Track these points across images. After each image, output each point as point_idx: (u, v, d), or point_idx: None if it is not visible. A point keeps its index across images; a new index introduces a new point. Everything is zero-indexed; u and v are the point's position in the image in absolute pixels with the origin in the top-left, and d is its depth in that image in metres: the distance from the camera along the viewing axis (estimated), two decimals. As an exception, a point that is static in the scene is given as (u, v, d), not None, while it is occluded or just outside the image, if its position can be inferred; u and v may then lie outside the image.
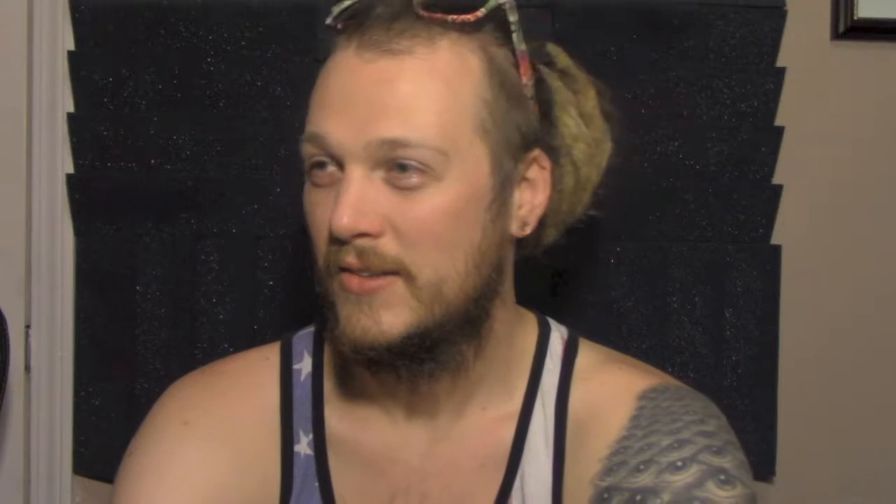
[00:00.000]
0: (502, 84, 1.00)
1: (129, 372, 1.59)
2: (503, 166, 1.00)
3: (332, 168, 0.98)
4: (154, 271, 1.58)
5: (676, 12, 1.65)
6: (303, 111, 1.01)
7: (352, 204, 0.95)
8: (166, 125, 1.59)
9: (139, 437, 1.08)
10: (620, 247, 1.63)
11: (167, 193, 1.59)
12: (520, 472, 1.04)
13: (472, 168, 0.98)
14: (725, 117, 1.65)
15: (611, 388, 1.05)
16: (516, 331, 1.08)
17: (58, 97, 1.61)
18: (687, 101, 1.65)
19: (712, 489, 0.95)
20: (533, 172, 1.04)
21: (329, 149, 0.97)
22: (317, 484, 1.06)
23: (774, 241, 1.67)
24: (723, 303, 1.64)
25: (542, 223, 1.06)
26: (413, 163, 0.95)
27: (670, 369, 1.48)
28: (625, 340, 1.61)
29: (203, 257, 1.59)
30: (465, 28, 0.99)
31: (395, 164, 0.95)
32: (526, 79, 1.03)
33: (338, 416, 1.08)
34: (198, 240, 1.59)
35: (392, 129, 0.95)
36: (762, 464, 1.65)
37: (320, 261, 1.00)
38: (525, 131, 1.02)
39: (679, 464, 0.97)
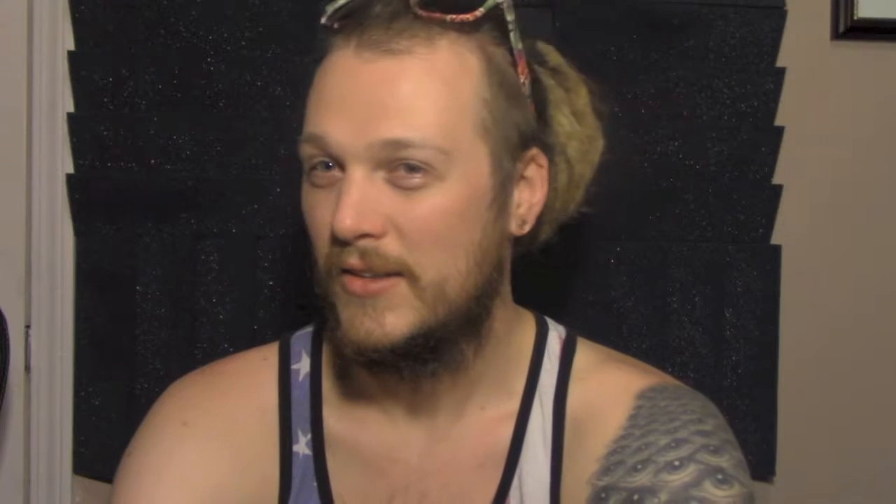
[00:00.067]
0: (501, 83, 1.00)
1: (129, 372, 1.59)
2: (503, 165, 1.00)
3: (332, 169, 0.97)
4: (154, 271, 1.59)
5: (676, 12, 1.65)
6: (302, 111, 1.01)
7: (354, 205, 0.94)
8: (166, 125, 1.59)
9: (138, 437, 1.08)
10: (620, 247, 1.63)
11: (167, 193, 1.59)
12: (518, 471, 1.04)
13: (473, 168, 0.98)
14: (725, 117, 1.65)
15: (609, 387, 1.05)
16: (514, 329, 1.08)
17: (58, 97, 1.61)
18: (687, 101, 1.65)
19: (709, 488, 0.95)
20: (531, 171, 1.04)
21: (329, 149, 0.96)
22: (315, 484, 1.05)
23: (774, 241, 1.67)
24: (723, 303, 1.65)
25: (539, 221, 1.06)
26: (416, 163, 0.95)
27: (670, 369, 1.48)
28: (625, 340, 1.61)
29: (203, 257, 1.59)
30: (463, 28, 0.99)
31: (397, 165, 0.95)
32: (524, 78, 1.03)
33: (336, 416, 1.08)
34: (198, 240, 1.59)
35: (394, 130, 0.95)
36: (762, 464, 1.65)
37: (321, 262, 0.99)
38: (523, 130, 1.02)
39: (676, 463, 0.97)
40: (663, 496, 0.95)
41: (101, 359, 1.60)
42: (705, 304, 1.64)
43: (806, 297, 1.70)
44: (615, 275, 1.63)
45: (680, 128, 1.64)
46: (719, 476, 0.96)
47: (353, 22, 0.99)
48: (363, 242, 0.95)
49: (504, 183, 1.01)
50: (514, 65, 1.02)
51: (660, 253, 1.64)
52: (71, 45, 1.61)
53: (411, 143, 0.94)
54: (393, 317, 0.97)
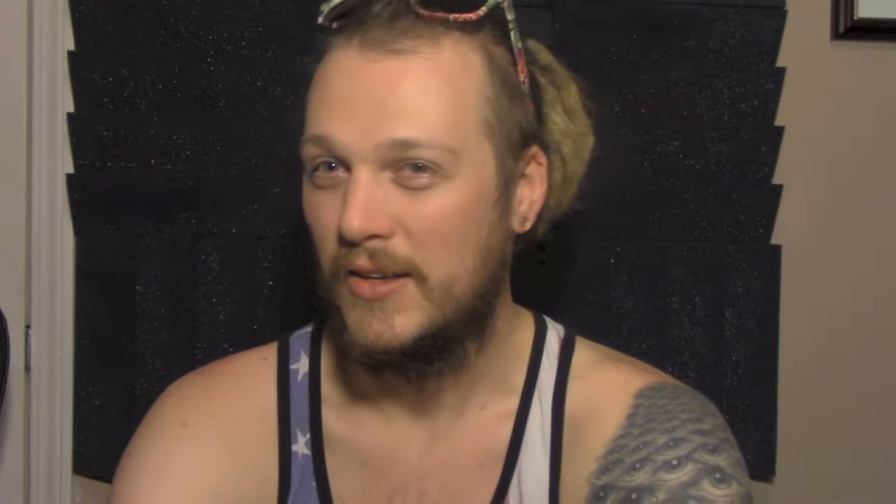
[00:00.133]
0: (503, 82, 1.00)
1: (129, 372, 1.59)
2: (506, 164, 1.00)
3: (335, 169, 0.97)
4: (154, 271, 1.59)
5: (676, 12, 1.65)
6: (302, 111, 1.00)
7: (361, 206, 0.94)
8: (166, 125, 1.59)
9: (137, 437, 1.08)
10: (620, 247, 1.63)
11: (167, 193, 1.59)
12: (517, 470, 1.04)
13: (479, 166, 0.98)
14: (725, 117, 1.65)
15: (607, 386, 1.05)
16: (514, 328, 1.08)
17: (58, 97, 1.61)
18: (687, 101, 1.65)
19: (707, 488, 0.95)
20: (531, 169, 1.04)
21: (335, 151, 0.96)
22: (314, 483, 1.05)
23: (774, 241, 1.67)
24: (723, 303, 1.65)
25: (538, 218, 1.06)
26: (423, 162, 0.95)
27: (670, 369, 1.48)
28: (625, 340, 1.61)
29: (203, 257, 1.59)
30: (465, 27, 0.99)
31: (403, 165, 0.95)
32: (523, 76, 1.03)
33: (335, 416, 1.08)
34: (198, 240, 1.59)
35: (402, 130, 0.94)
36: (762, 464, 1.65)
37: (326, 265, 0.99)
38: (525, 128, 1.02)
39: (674, 462, 0.96)
40: (661, 495, 0.95)
41: (101, 359, 1.60)
42: (705, 304, 1.64)
43: (806, 297, 1.70)
44: (615, 275, 1.63)
45: (680, 128, 1.64)
46: (717, 475, 0.96)
47: (354, 22, 0.98)
48: (372, 243, 0.95)
49: (508, 181, 1.01)
50: (514, 64, 1.02)
51: (660, 253, 1.64)
52: (71, 45, 1.61)
53: (419, 143, 0.94)
54: (402, 318, 0.97)
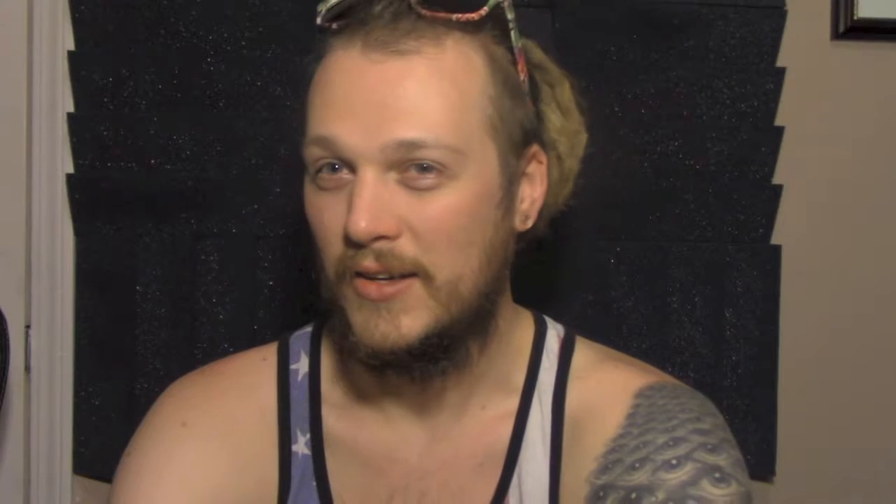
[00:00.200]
0: (504, 82, 1.00)
1: (129, 372, 1.59)
2: (509, 163, 1.01)
3: (339, 171, 0.97)
4: (154, 271, 1.59)
5: (676, 12, 1.65)
6: (302, 111, 1.00)
7: (367, 207, 0.94)
8: (166, 125, 1.59)
9: (137, 437, 1.08)
10: (620, 247, 1.63)
11: (167, 193, 1.59)
12: (517, 469, 1.04)
13: (484, 166, 0.98)
14: (725, 117, 1.65)
15: (607, 386, 1.05)
16: (514, 327, 1.08)
17: (58, 97, 1.61)
18: (687, 101, 1.65)
19: (707, 487, 0.95)
20: (532, 167, 1.05)
21: (340, 152, 0.96)
22: (314, 483, 1.06)
23: (774, 241, 1.67)
24: (723, 303, 1.64)
25: (539, 216, 1.06)
26: (429, 163, 0.95)
27: (670, 369, 1.48)
28: (625, 340, 1.61)
29: (203, 257, 1.59)
30: (467, 27, 0.99)
31: (408, 165, 0.95)
32: (523, 75, 1.03)
33: (335, 416, 1.08)
34: (198, 240, 1.59)
35: (408, 131, 0.94)
36: (762, 464, 1.65)
37: (331, 266, 0.99)
38: (526, 127, 1.03)
39: (674, 462, 0.97)
40: (661, 494, 0.95)
41: (101, 359, 1.60)
42: (705, 304, 1.64)
43: (806, 297, 1.70)
44: (615, 275, 1.62)
45: (680, 128, 1.64)
46: (717, 475, 0.96)
47: (355, 22, 0.98)
48: (379, 244, 0.95)
49: (510, 180, 1.01)
50: (515, 63, 1.02)
51: (660, 253, 1.64)
52: (71, 45, 1.61)
53: (425, 144, 0.94)
54: (408, 319, 0.97)
